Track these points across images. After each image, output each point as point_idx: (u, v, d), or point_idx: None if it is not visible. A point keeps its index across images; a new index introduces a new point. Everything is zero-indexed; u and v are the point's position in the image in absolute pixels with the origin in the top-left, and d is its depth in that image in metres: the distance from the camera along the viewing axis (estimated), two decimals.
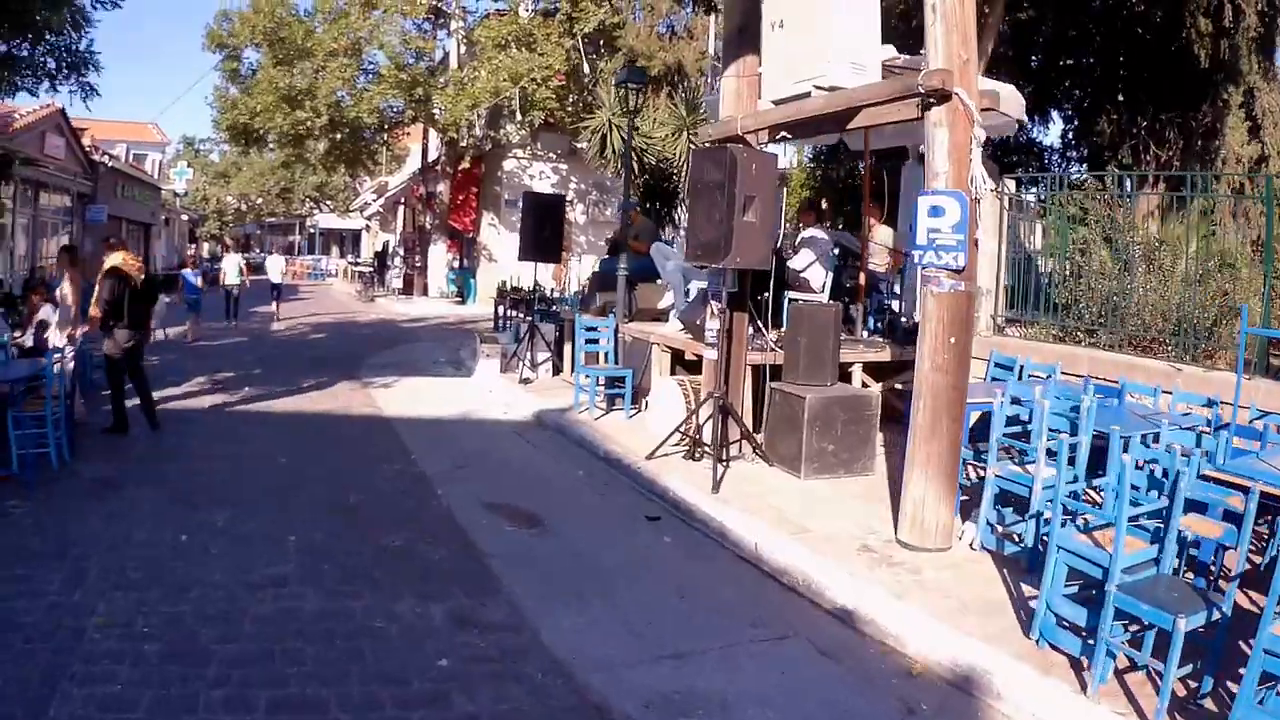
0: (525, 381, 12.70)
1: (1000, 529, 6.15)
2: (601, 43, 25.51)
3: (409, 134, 34.48)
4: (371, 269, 38.69)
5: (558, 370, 13.46)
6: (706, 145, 8.21)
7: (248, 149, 30.26)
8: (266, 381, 13.00)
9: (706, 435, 8.39)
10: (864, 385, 9.70)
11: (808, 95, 7.36)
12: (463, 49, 28.33)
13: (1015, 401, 6.54)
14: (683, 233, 19.04)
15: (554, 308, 15.54)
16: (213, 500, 7.13)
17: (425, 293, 32.60)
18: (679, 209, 17.80)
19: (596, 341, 10.93)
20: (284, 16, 25.36)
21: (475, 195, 30.79)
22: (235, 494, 7.36)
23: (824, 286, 10.12)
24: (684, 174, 16.68)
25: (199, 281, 19.22)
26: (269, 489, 7.57)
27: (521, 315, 16.19)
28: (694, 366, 9.96)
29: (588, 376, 10.65)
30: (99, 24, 13.30)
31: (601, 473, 8.56)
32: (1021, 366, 8.69)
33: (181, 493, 7.33)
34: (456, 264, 32.88)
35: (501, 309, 18.52)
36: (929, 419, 6.27)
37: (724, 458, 7.99)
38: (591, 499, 7.79)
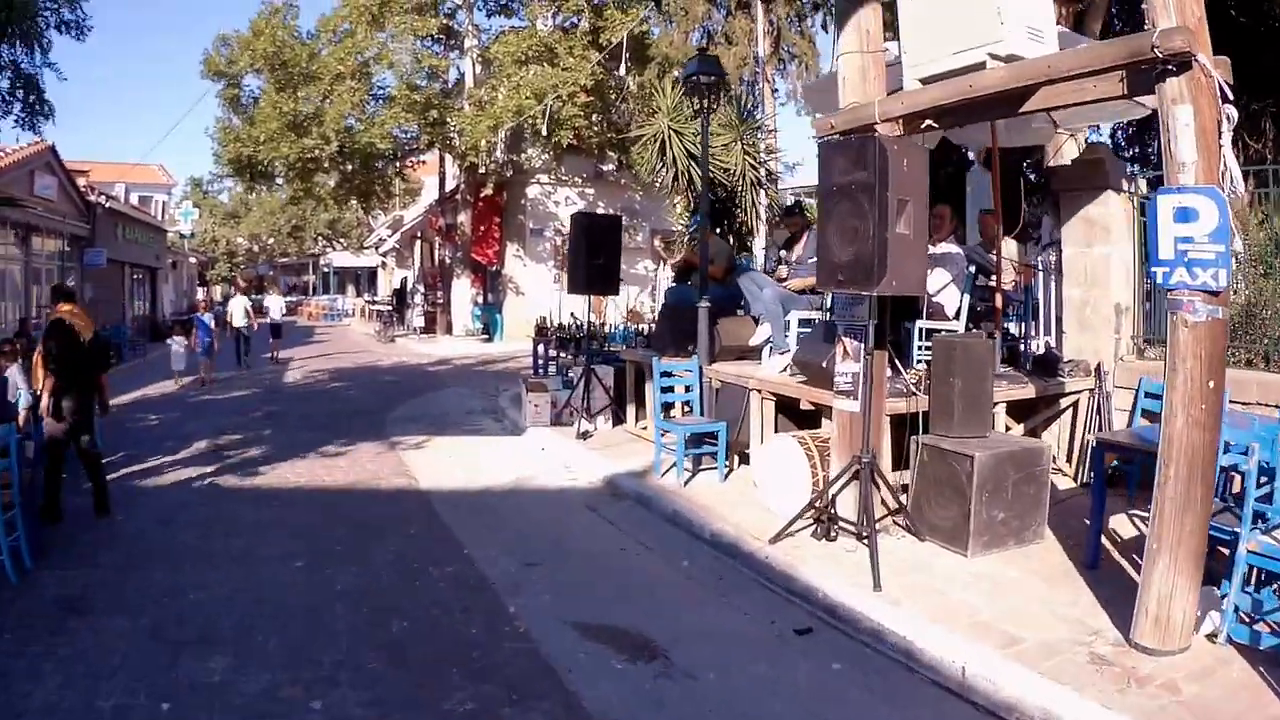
0: (584, 436, 10.77)
1: (1254, 618, 4.88)
2: (628, 55, 23.73)
3: (424, 163, 32.75)
4: (390, 308, 36.97)
5: (619, 420, 11.57)
6: (837, 138, 6.24)
7: (253, 184, 28.44)
8: (279, 444, 11.09)
9: (842, 507, 6.54)
10: (1006, 429, 7.86)
11: (977, 68, 5.52)
12: (478, 68, 26.62)
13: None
14: (761, 255, 17.37)
15: (607, 346, 13.61)
16: (206, 637, 5.18)
17: (449, 331, 30.69)
18: (749, 227, 16.03)
19: (674, 390, 9.04)
20: (285, 39, 23.78)
21: (498, 225, 28.99)
22: (237, 625, 5.39)
23: (959, 313, 8.16)
24: (742, 187, 14.88)
25: (212, 324, 18.94)
26: (282, 613, 5.58)
27: (570, 356, 14.20)
28: (806, 418, 8.06)
29: (670, 433, 8.71)
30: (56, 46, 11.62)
31: (713, 563, 6.59)
32: None
33: (166, 623, 5.39)
34: (481, 299, 30.94)
35: (542, 348, 16.52)
36: (1181, 489, 4.64)
37: (865, 534, 6.13)
38: (714, 606, 5.80)
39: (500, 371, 19.78)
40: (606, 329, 13.81)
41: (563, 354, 14.97)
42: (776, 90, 26.92)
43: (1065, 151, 10.73)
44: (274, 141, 23.87)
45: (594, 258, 11.26)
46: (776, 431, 8.20)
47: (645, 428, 10.76)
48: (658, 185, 28.12)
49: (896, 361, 7.26)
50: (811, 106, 10.83)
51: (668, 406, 9.26)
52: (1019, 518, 6.39)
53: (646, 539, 7.18)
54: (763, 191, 16.49)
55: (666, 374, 8.99)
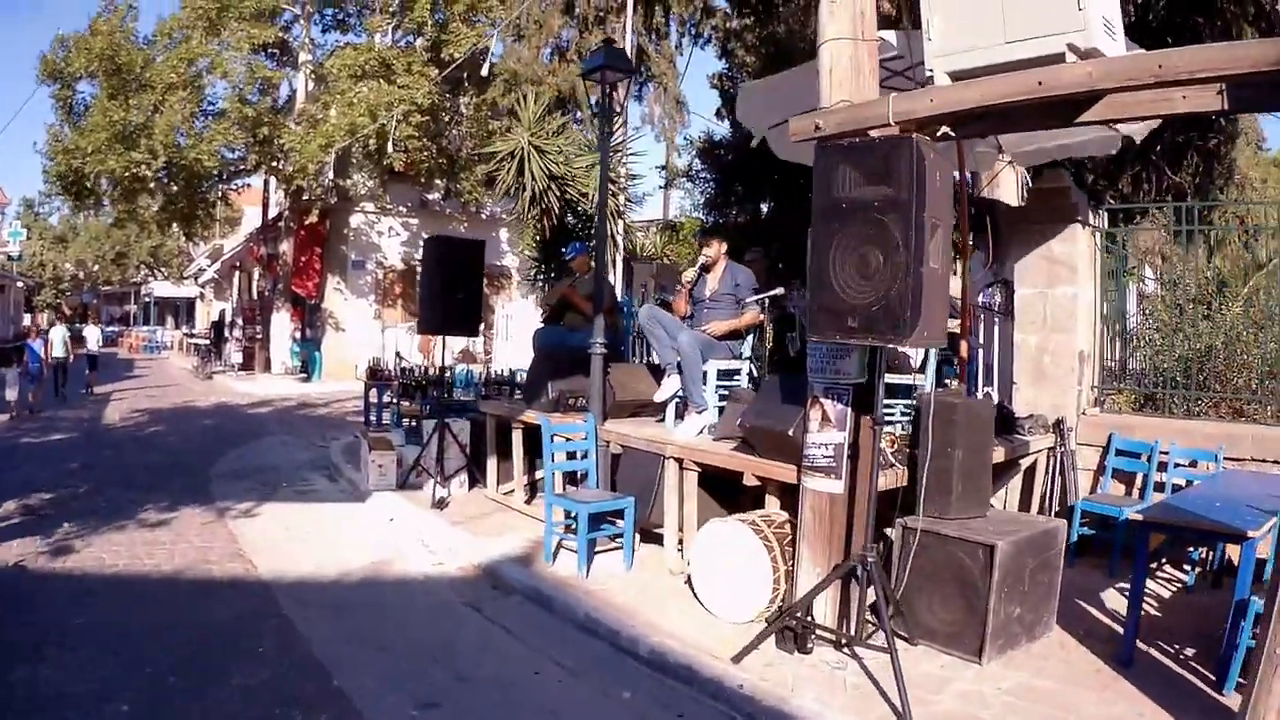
0: (441, 505, 8.95)
1: None
2: (466, 76, 22.02)
3: (249, 187, 29.92)
4: (208, 341, 33.79)
5: (475, 482, 9.81)
6: (849, 141, 4.74)
7: (80, 202, 25.26)
8: (95, 508, 8.84)
9: (820, 611, 5.24)
10: None
11: (1048, 61, 4.36)
12: (311, 84, 24.30)
13: None
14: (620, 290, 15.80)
15: (451, 394, 11.84)
16: None
17: (267, 368, 27.75)
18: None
19: (575, 455, 7.43)
20: (121, 42, 21.18)
21: (319, 256, 26.33)
22: None
23: (924, 363, 6.85)
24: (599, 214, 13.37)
25: (42, 351, 18.55)
26: None
27: (417, 405, 12.19)
28: (729, 492, 6.67)
29: (569, 513, 7.09)
30: None
31: (664, 692, 4.98)
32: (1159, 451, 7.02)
33: None
34: (299, 335, 28.34)
35: (375, 394, 14.36)
36: None
37: (847, 643, 4.97)
38: None
39: (325, 417, 17.49)
40: (449, 374, 11.89)
41: (404, 402, 12.88)
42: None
43: (1003, 181, 9.83)
44: (101, 153, 21.05)
45: (451, 291, 9.52)
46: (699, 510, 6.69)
47: (510, 493, 9.11)
48: (484, 215, 26.84)
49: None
50: (746, 116, 9.42)
51: (567, 477, 7.68)
52: (1033, 611, 5.32)
53: (563, 657, 5.48)
54: (620, 221, 15.08)
55: (560, 436, 7.34)
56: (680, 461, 6.80)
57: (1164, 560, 6.90)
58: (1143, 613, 5.31)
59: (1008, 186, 9.71)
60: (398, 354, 17.25)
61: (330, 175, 24.40)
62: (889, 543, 5.56)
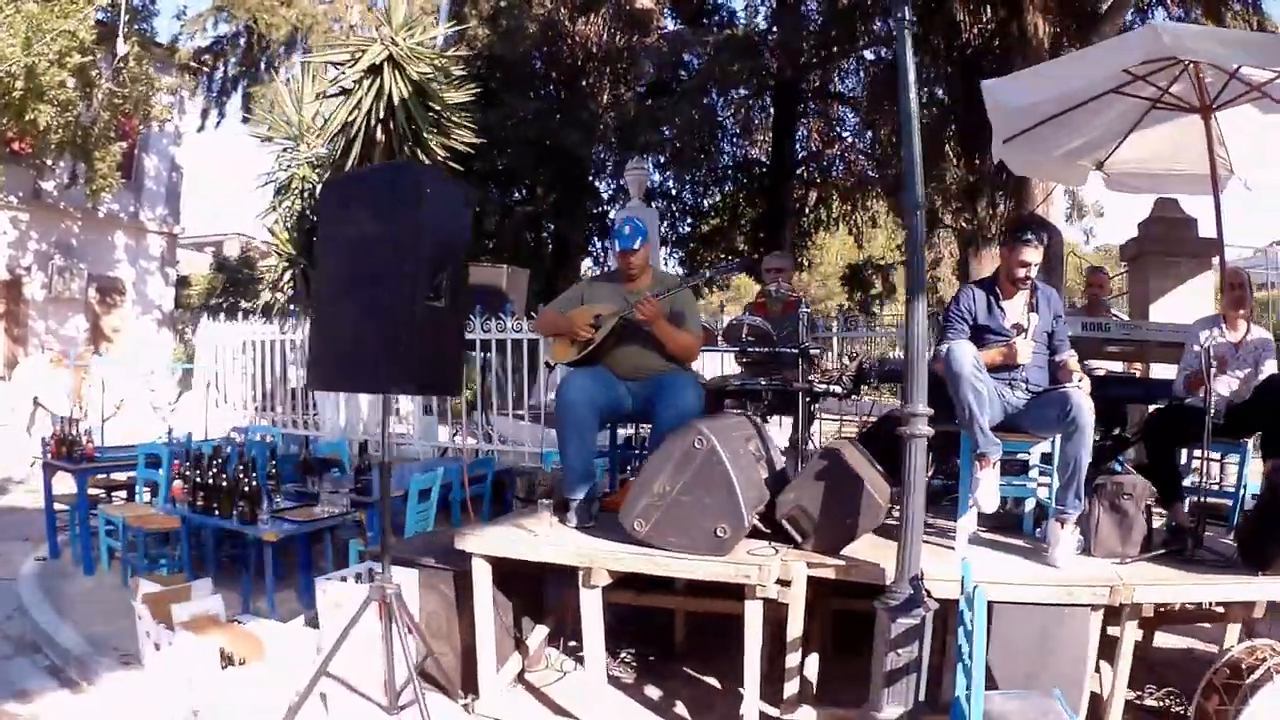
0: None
1: None
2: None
3: None
4: None
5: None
6: None
7: None
8: None
9: None
10: None
11: None
12: None
13: None
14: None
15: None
16: None
17: None
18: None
19: None
20: None
21: None
22: None
23: None
24: None
25: None
26: None
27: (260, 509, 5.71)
28: None
29: None
30: None
31: None
32: None
33: None
34: None
35: (68, 486, 6.95)
36: None
37: None
38: None
39: None
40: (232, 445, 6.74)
41: (209, 506, 5.65)
42: None
43: (1055, 201, 9.23)
44: None
45: (396, 299, 4.60)
46: None
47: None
48: (102, 213, 20.06)
49: None
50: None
51: None
52: None
53: None
54: None
55: None
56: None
57: None
58: None
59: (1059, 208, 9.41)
60: (36, 401, 11.88)
61: None
62: None
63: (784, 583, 3.78)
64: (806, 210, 20.66)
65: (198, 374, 10.54)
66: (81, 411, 11.26)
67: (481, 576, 4.21)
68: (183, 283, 26.21)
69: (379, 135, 7.95)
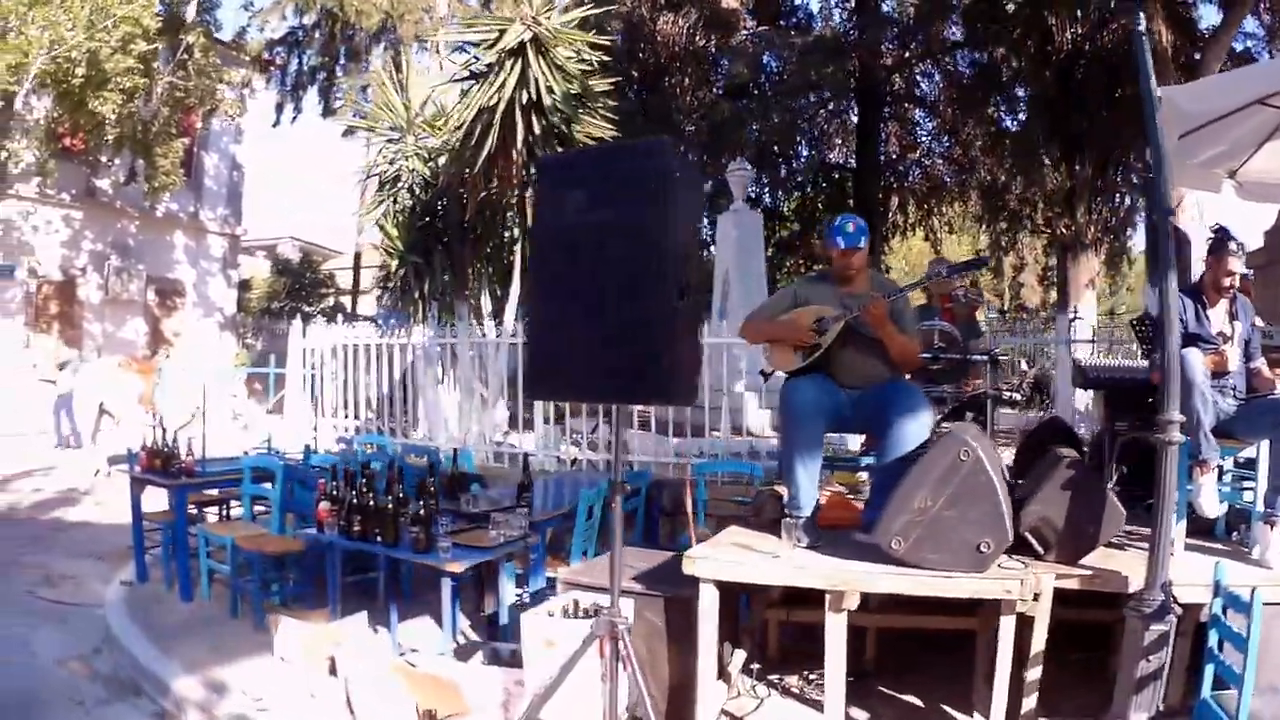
0: None
1: None
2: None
3: None
4: None
5: None
6: None
7: None
8: None
9: None
10: None
11: None
12: None
13: None
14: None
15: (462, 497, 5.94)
16: None
17: None
18: None
19: None
20: None
21: None
22: None
23: None
24: None
25: None
26: None
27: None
28: None
29: None
30: None
31: None
32: None
33: None
34: None
35: (175, 510, 6.08)
36: None
37: None
38: None
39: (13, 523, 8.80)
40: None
41: (367, 531, 4.80)
42: None
43: (1185, 206, 9.09)
44: None
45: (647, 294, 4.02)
46: None
47: None
48: (160, 212, 19.52)
49: None
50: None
51: None
52: None
53: None
54: None
55: None
56: None
57: None
58: None
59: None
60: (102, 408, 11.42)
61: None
62: None
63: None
64: (888, 215, 20.19)
65: (290, 380, 9.86)
66: (155, 418, 10.65)
67: (709, 603, 3.80)
68: (243, 286, 25.87)
69: (518, 123, 7.27)
